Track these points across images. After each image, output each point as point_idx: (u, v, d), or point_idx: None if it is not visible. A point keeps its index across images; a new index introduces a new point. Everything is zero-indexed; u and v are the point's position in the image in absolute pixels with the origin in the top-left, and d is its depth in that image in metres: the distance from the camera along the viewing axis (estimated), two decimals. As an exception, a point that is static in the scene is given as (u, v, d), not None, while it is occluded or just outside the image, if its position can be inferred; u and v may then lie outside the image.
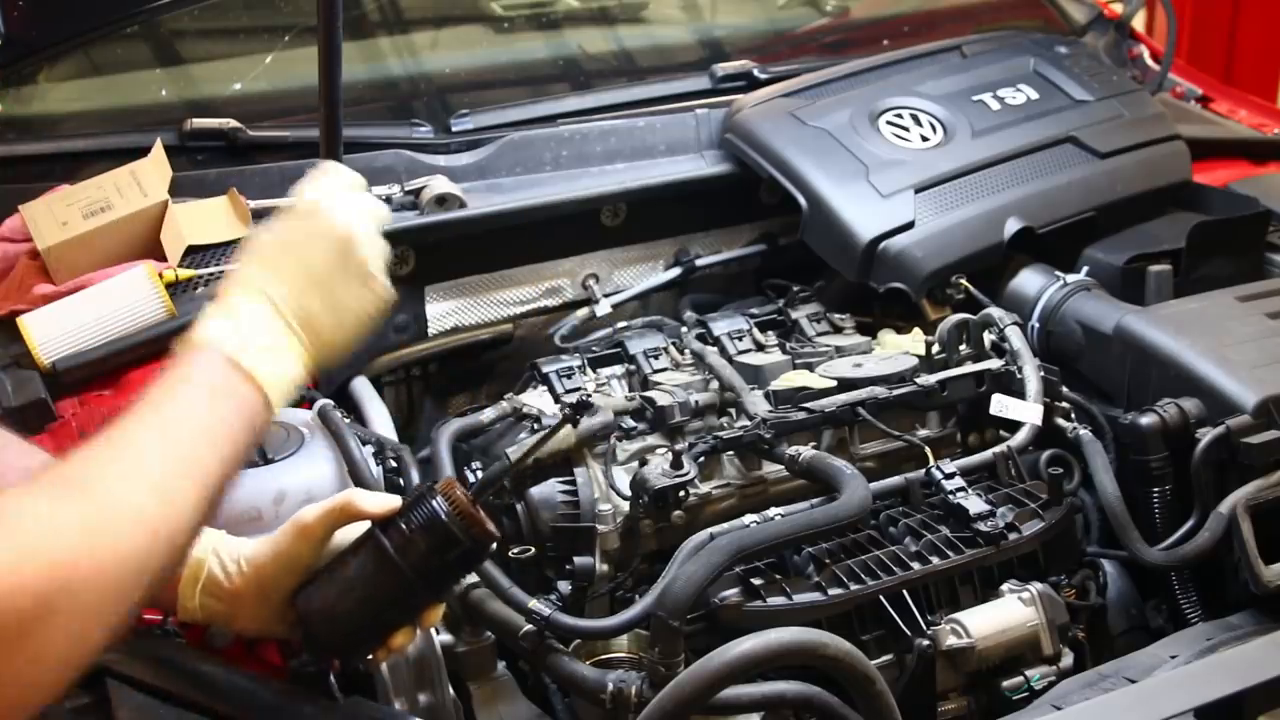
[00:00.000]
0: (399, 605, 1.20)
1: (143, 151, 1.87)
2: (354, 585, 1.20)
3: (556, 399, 1.73)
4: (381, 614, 1.20)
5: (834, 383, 1.70)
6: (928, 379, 1.68)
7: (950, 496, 1.52)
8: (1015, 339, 1.75)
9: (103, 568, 0.90)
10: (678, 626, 1.30)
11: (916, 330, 1.89)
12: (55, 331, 1.63)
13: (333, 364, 1.22)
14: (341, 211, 1.21)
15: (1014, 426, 1.68)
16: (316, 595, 1.21)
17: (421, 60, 2.37)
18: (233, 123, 1.96)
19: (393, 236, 1.86)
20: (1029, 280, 1.96)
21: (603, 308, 2.01)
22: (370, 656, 1.24)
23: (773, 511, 1.47)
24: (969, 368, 1.73)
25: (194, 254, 1.80)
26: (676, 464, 1.52)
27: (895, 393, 1.66)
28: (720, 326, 1.89)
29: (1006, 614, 1.44)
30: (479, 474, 1.58)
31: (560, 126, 2.11)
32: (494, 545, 1.24)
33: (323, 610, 1.21)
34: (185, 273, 1.76)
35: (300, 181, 1.25)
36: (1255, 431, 1.60)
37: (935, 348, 1.77)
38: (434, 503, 1.20)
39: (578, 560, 1.54)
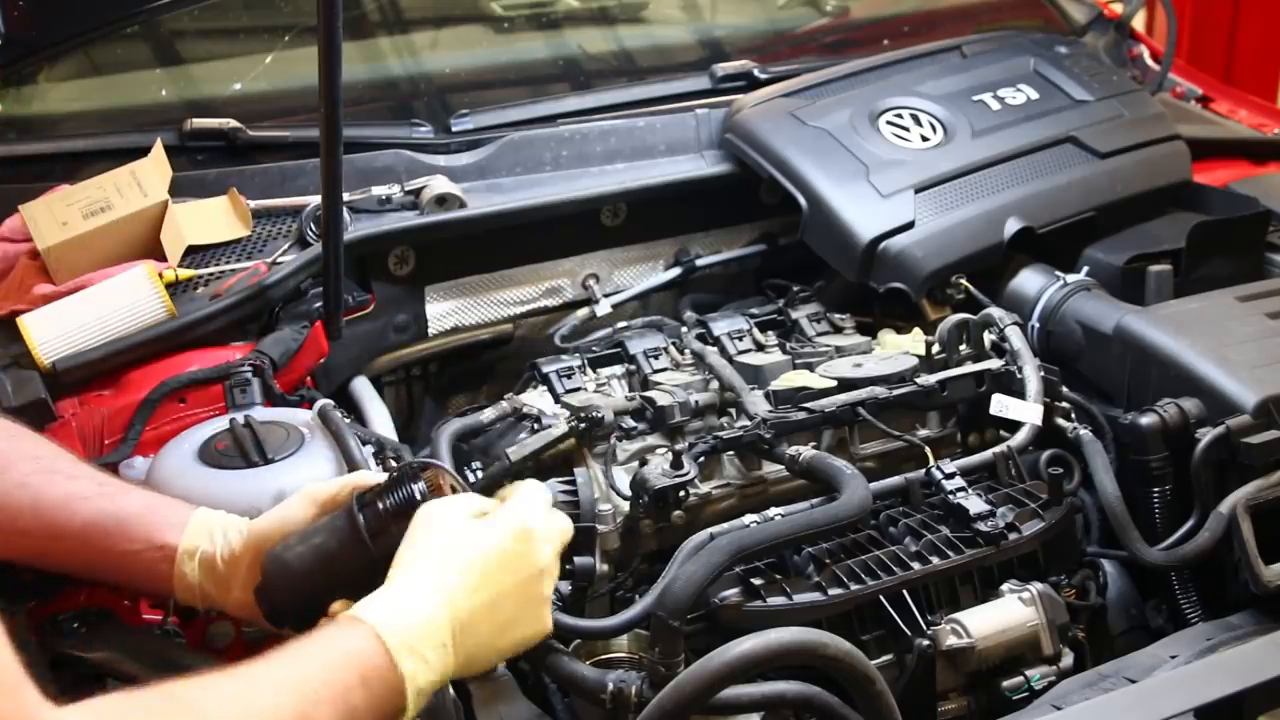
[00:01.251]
0: (359, 581, 1.17)
1: (143, 151, 1.87)
2: (320, 552, 1.19)
3: (556, 399, 1.73)
4: (338, 585, 1.19)
5: (834, 383, 1.70)
6: (928, 379, 1.68)
7: (950, 496, 1.52)
8: (1015, 339, 1.75)
9: None
10: (678, 626, 1.30)
11: (916, 330, 1.89)
12: (55, 331, 1.63)
13: (465, 675, 1.20)
14: (548, 544, 1.19)
15: (1014, 426, 1.68)
16: (285, 552, 1.21)
17: (421, 60, 2.37)
18: (233, 123, 1.96)
19: (393, 236, 1.89)
20: (1029, 280, 1.96)
21: (603, 308, 2.01)
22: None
23: (773, 511, 1.47)
24: (969, 368, 1.73)
25: (194, 254, 1.80)
26: (676, 464, 1.52)
27: (895, 393, 1.66)
28: (720, 326, 1.89)
29: (1006, 614, 1.44)
30: (479, 474, 1.58)
31: (560, 126, 2.11)
32: None
33: (283, 568, 1.20)
34: (185, 273, 1.76)
35: (513, 492, 1.23)
36: (1255, 431, 1.60)
37: (935, 348, 1.77)
38: (413, 487, 1.19)
39: (578, 560, 1.54)
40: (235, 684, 0.98)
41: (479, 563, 1.14)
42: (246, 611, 1.26)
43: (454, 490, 1.22)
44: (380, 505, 1.19)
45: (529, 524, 1.18)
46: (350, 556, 1.18)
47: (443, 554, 1.13)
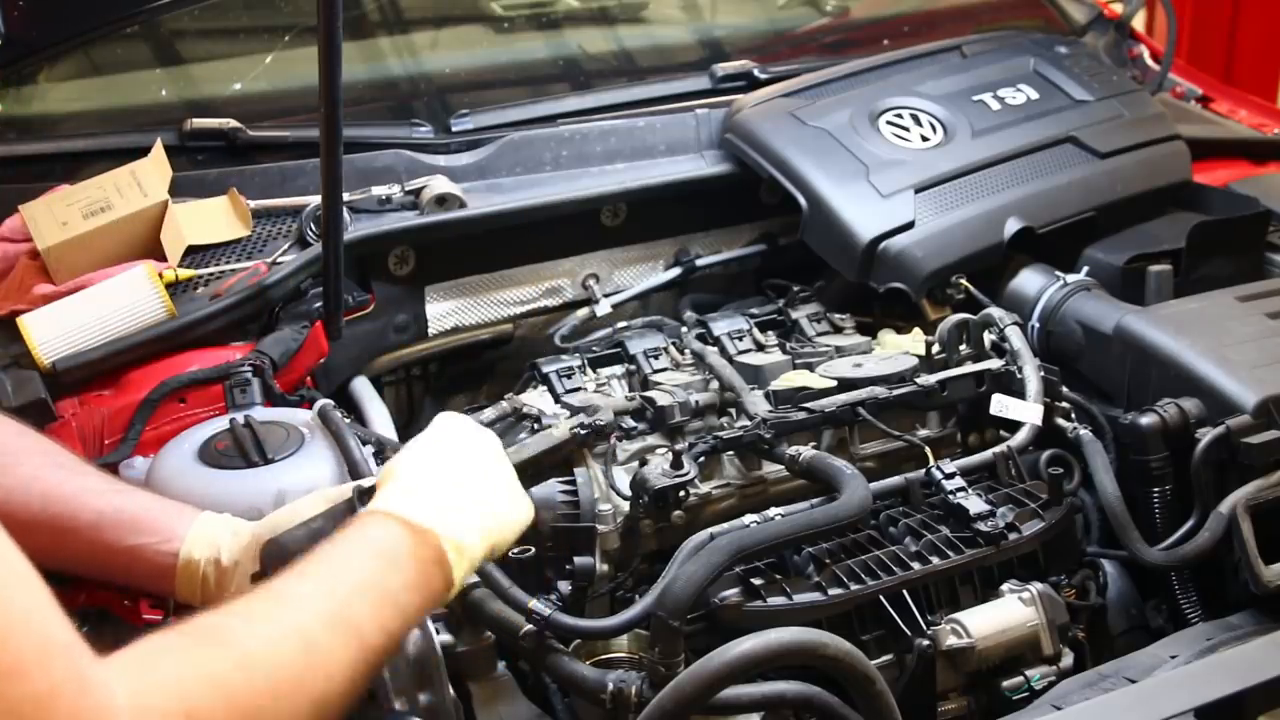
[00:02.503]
0: None
1: (143, 151, 1.87)
2: (318, 538, 1.18)
3: (556, 399, 1.73)
4: None
5: (834, 383, 1.70)
6: (928, 379, 1.68)
7: (950, 496, 1.52)
8: (1015, 339, 1.75)
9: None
10: (678, 626, 1.30)
11: (916, 330, 1.89)
12: (55, 331, 1.63)
13: (491, 558, 1.23)
14: (485, 437, 1.26)
15: (1014, 426, 1.68)
16: (284, 538, 1.22)
17: (421, 60, 2.37)
18: (233, 123, 1.96)
19: (393, 236, 1.89)
20: (1029, 280, 1.96)
21: (603, 308, 2.01)
22: None
23: (773, 511, 1.47)
24: (969, 368, 1.73)
25: (194, 254, 1.80)
26: (676, 464, 1.52)
27: (895, 393, 1.66)
28: (720, 326, 1.89)
29: (1006, 614, 1.44)
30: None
31: (560, 126, 2.11)
32: None
33: (281, 552, 1.21)
34: (185, 273, 1.76)
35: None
36: (1255, 431, 1.60)
37: (935, 348, 1.77)
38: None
39: (578, 560, 1.54)
40: (264, 604, 0.98)
41: (448, 455, 1.20)
42: None
43: None
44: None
45: (449, 423, 1.27)
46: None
47: (415, 459, 1.19)
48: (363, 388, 1.82)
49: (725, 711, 1.28)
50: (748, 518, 1.47)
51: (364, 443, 1.53)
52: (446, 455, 1.20)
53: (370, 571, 1.03)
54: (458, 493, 1.15)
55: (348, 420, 1.54)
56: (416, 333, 1.97)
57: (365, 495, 1.22)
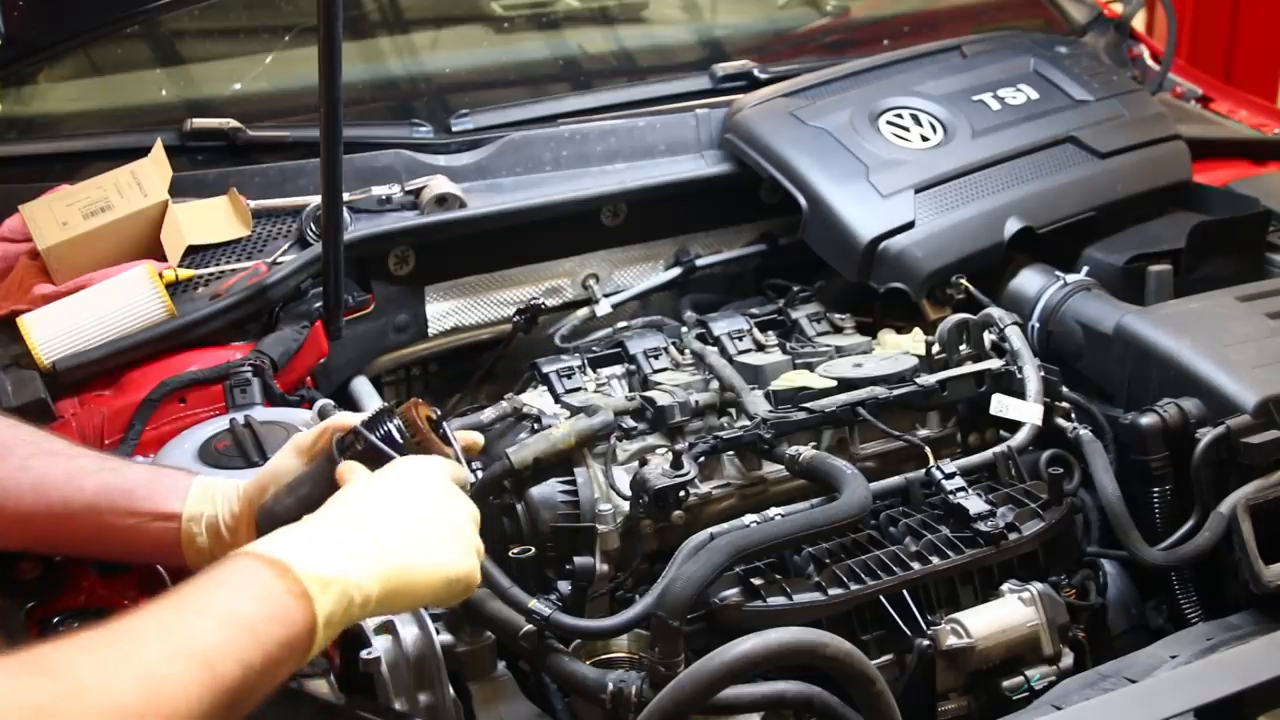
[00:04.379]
0: None
1: (143, 151, 1.87)
2: (305, 502, 1.19)
3: (556, 399, 1.73)
4: None
5: (834, 383, 1.70)
6: (928, 379, 1.68)
7: (950, 496, 1.52)
8: (1015, 339, 1.75)
9: None
10: (678, 626, 1.30)
11: (916, 330, 1.89)
12: (55, 331, 1.63)
13: (404, 607, 1.16)
14: (441, 474, 1.18)
15: (1014, 426, 1.67)
16: (274, 506, 1.22)
17: (421, 60, 2.37)
18: (233, 123, 1.96)
19: (393, 236, 1.89)
20: (1029, 280, 1.96)
21: (603, 308, 2.01)
22: None
23: (773, 511, 1.47)
24: (969, 368, 1.73)
25: (194, 254, 1.80)
26: (676, 464, 1.52)
27: (895, 393, 1.66)
28: (720, 326, 1.88)
29: (1006, 614, 1.44)
30: (479, 474, 1.58)
31: (560, 126, 2.11)
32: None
33: (274, 521, 1.19)
34: (185, 273, 1.76)
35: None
36: (1255, 431, 1.60)
37: (935, 348, 1.77)
38: (390, 425, 1.18)
39: (578, 560, 1.54)
40: (103, 635, 0.91)
41: (388, 483, 1.13)
42: None
43: (430, 420, 1.20)
44: (359, 448, 1.18)
45: (415, 463, 1.18)
46: (329, 494, 1.16)
47: (343, 497, 1.12)
48: (363, 388, 1.82)
49: (725, 711, 1.28)
50: (748, 518, 1.47)
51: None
52: (362, 495, 1.12)
53: (223, 603, 0.96)
54: (345, 530, 1.07)
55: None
56: (416, 333, 1.97)
57: (345, 449, 1.19)
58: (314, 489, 1.20)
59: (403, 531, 1.10)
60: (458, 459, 1.22)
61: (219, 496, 1.29)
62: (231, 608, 0.95)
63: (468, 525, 1.16)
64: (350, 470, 1.17)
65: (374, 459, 1.18)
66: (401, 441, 1.18)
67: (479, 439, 1.33)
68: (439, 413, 1.25)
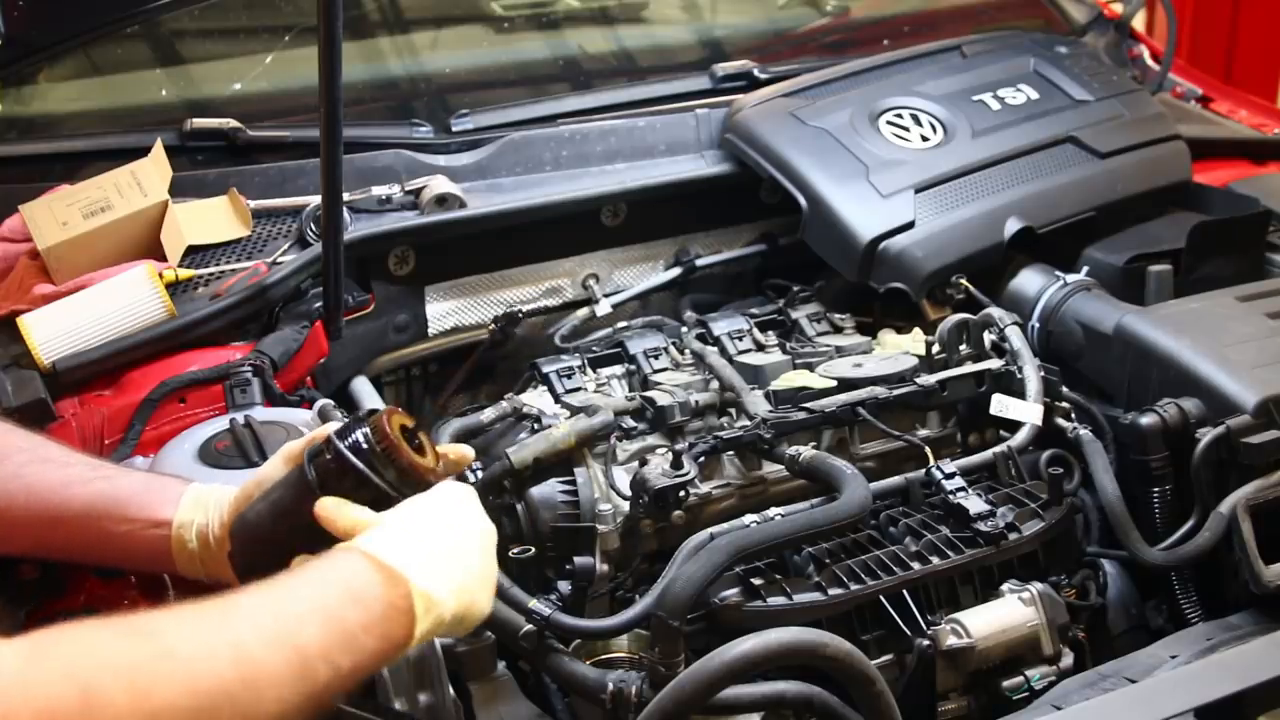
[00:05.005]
0: (314, 533, 1.15)
1: (143, 151, 1.87)
2: (276, 507, 1.19)
3: (556, 399, 1.73)
4: (295, 538, 1.16)
5: (834, 383, 1.70)
6: (928, 379, 1.68)
7: (950, 496, 1.52)
8: (1015, 339, 1.75)
9: (139, 716, 0.84)
10: (678, 626, 1.30)
11: (916, 330, 1.89)
12: (55, 331, 1.63)
13: (463, 631, 1.15)
14: (472, 500, 1.19)
15: (1014, 426, 1.68)
16: (247, 512, 1.21)
17: (421, 60, 2.37)
18: (233, 123, 1.96)
19: (393, 236, 1.89)
20: (1029, 280, 1.96)
21: (603, 308, 2.01)
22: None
23: (773, 511, 1.47)
24: (969, 368, 1.73)
25: (194, 254, 1.80)
26: (676, 464, 1.53)
27: (895, 393, 1.66)
28: (720, 326, 1.89)
29: (1006, 614, 1.44)
30: (479, 474, 1.58)
31: (560, 126, 2.11)
32: (423, 476, 1.19)
33: (244, 526, 1.20)
34: (185, 273, 1.76)
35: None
36: (1255, 431, 1.60)
37: (935, 348, 1.77)
38: (357, 435, 1.16)
39: (578, 560, 1.54)
40: (202, 610, 0.94)
41: (452, 514, 1.14)
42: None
43: (404, 428, 1.19)
44: (327, 455, 1.17)
45: (466, 493, 1.19)
46: (304, 508, 1.16)
47: (407, 510, 1.13)
48: (363, 388, 1.82)
49: (725, 711, 1.28)
50: (748, 518, 1.47)
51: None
52: (440, 512, 1.13)
53: (328, 601, 0.98)
54: (442, 548, 1.09)
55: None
56: (416, 333, 1.97)
57: (315, 456, 1.18)
58: (284, 494, 1.19)
59: (482, 570, 1.13)
60: (431, 469, 1.20)
61: (210, 504, 1.28)
62: (336, 608, 0.97)
63: (493, 543, 1.19)
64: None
65: (341, 467, 1.16)
66: (367, 449, 1.16)
67: (468, 452, 1.30)
68: (414, 421, 1.23)
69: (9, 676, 0.81)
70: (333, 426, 1.23)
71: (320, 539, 1.13)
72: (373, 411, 1.20)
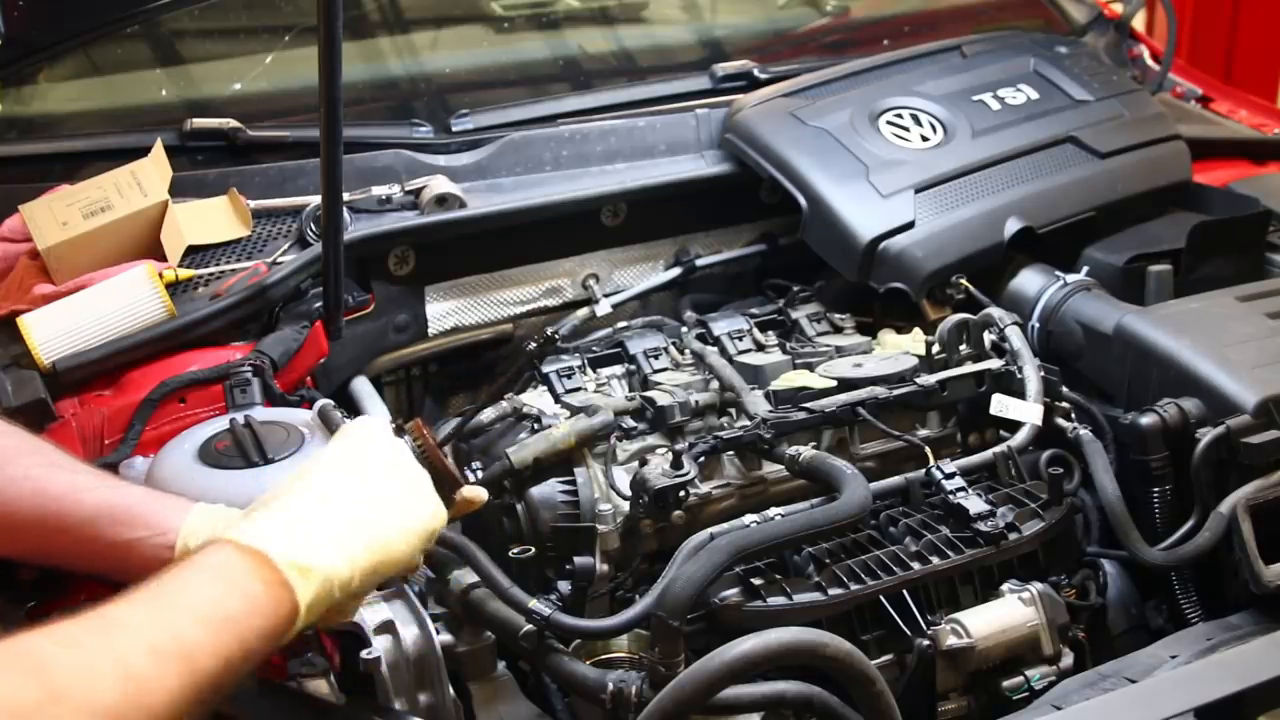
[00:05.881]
0: None
1: (143, 151, 1.87)
2: None
3: (557, 399, 1.73)
4: None
5: (834, 383, 1.70)
6: (928, 379, 1.68)
7: (950, 496, 1.52)
8: (1015, 339, 1.75)
9: None
10: (678, 626, 1.30)
11: (916, 330, 1.89)
12: (55, 331, 1.63)
13: (389, 575, 1.16)
14: (379, 431, 1.21)
15: (1014, 426, 1.68)
16: None
17: (421, 60, 2.37)
18: (233, 123, 1.95)
19: (393, 236, 1.89)
20: (1029, 280, 1.96)
21: (603, 308, 2.01)
22: None
23: (773, 511, 1.47)
24: (969, 368, 1.73)
25: (194, 254, 1.80)
26: (676, 464, 1.53)
27: (895, 393, 1.66)
28: (720, 326, 1.89)
29: (1006, 614, 1.44)
30: (479, 474, 1.58)
31: (560, 126, 2.11)
32: (458, 489, 1.24)
33: None
34: (185, 273, 1.76)
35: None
36: (1255, 431, 1.60)
37: (935, 348, 1.77)
38: (402, 441, 1.20)
39: (578, 560, 1.54)
40: (83, 629, 0.91)
41: (322, 475, 1.13)
42: None
43: (433, 441, 1.22)
44: None
45: (356, 430, 1.21)
46: None
47: (290, 480, 1.13)
48: (363, 388, 1.82)
49: (725, 711, 1.28)
50: (748, 518, 1.47)
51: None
52: (324, 472, 1.13)
53: (205, 596, 0.97)
54: (314, 510, 1.08)
55: (348, 420, 1.54)
56: (416, 333, 1.97)
57: None
58: None
59: (370, 501, 1.12)
60: (460, 478, 1.23)
61: (219, 524, 1.27)
62: (212, 601, 0.96)
63: (419, 473, 1.19)
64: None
65: None
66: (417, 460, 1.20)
67: (482, 494, 1.34)
68: (433, 438, 1.25)
69: None
70: None
71: None
72: (399, 426, 1.23)
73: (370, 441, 1.20)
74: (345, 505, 1.11)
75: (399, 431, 1.22)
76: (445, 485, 1.23)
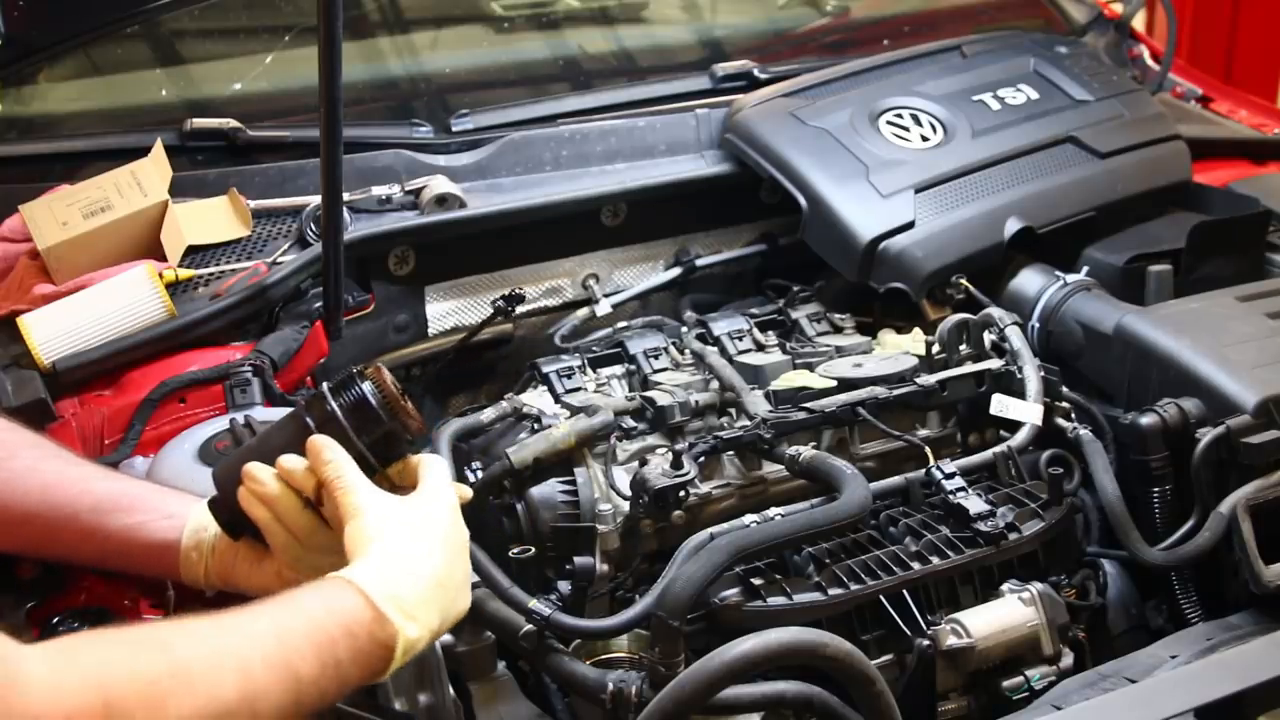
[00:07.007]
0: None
1: (143, 151, 1.87)
2: (261, 442, 1.23)
3: (556, 399, 1.73)
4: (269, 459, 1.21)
5: (834, 383, 1.70)
6: (928, 379, 1.68)
7: (950, 496, 1.52)
8: (1015, 339, 1.75)
9: None
10: (678, 626, 1.30)
11: (916, 330, 1.89)
12: (55, 331, 1.63)
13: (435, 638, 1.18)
14: (450, 498, 1.23)
15: (1014, 426, 1.68)
16: (234, 453, 1.24)
17: (421, 60, 2.37)
18: (233, 123, 1.96)
19: (393, 236, 1.89)
20: (1029, 280, 1.96)
21: (603, 308, 2.01)
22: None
23: (773, 511, 1.47)
24: (969, 368, 1.73)
25: (194, 254, 1.80)
26: (676, 464, 1.52)
27: (895, 393, 1.66)
28: (720, 326, 1.88)
29: (1006, 614, 1.44)
30: (479, 474, 1.58)
31: (560, 126, 2.11)
32: (415, 434, 1.24)
33: (225, 464, 1.23)
34: (185, 273, 1.76)
35: (418, 466, 1.25)
36: (1255, 431, 1.60)
37: (935, 348, 1.77)
38: (361, 385, 1.21)
39: (578, 560, 1.54)
40: (212, 626, 0.98)
41: (439, 534, 1.17)
42: (252, 588, 1.27)
43: (395, 387, 1.22)
44: (326, 404, 1.20)
45: (452, 500, 1.22)
46: (291, 441, 1.20)
47: (406, 527, 1.15)
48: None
49: (725, 711, 1.28)
50: (748, 518, 1.47)
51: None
52: (429, 536, 1.16)
53: (324, 631, 1.03)
54: (428, 585, 1.13)
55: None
56: (416, 333, 1.97)
57: (310, 408, 1.21)
58: (271, 433, 1.23)
59: (459, 583, 1.17)
60: (421, 426, 1.24)
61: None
62: (330, 640, 1.03)
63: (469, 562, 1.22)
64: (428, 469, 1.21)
65: (347, 415, 1.20)
66: (372, 400, 1.20)
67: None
68: (398, 385, 1.25)
69: (38, 682, 0.85)
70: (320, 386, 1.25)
71: None
72: (361, 369, 1.23)
73: (453, 511, 1.21)
74: (447, 581, 1.15)
75: (359, 377, 1.22)
76: (405, 429, 1.23)
